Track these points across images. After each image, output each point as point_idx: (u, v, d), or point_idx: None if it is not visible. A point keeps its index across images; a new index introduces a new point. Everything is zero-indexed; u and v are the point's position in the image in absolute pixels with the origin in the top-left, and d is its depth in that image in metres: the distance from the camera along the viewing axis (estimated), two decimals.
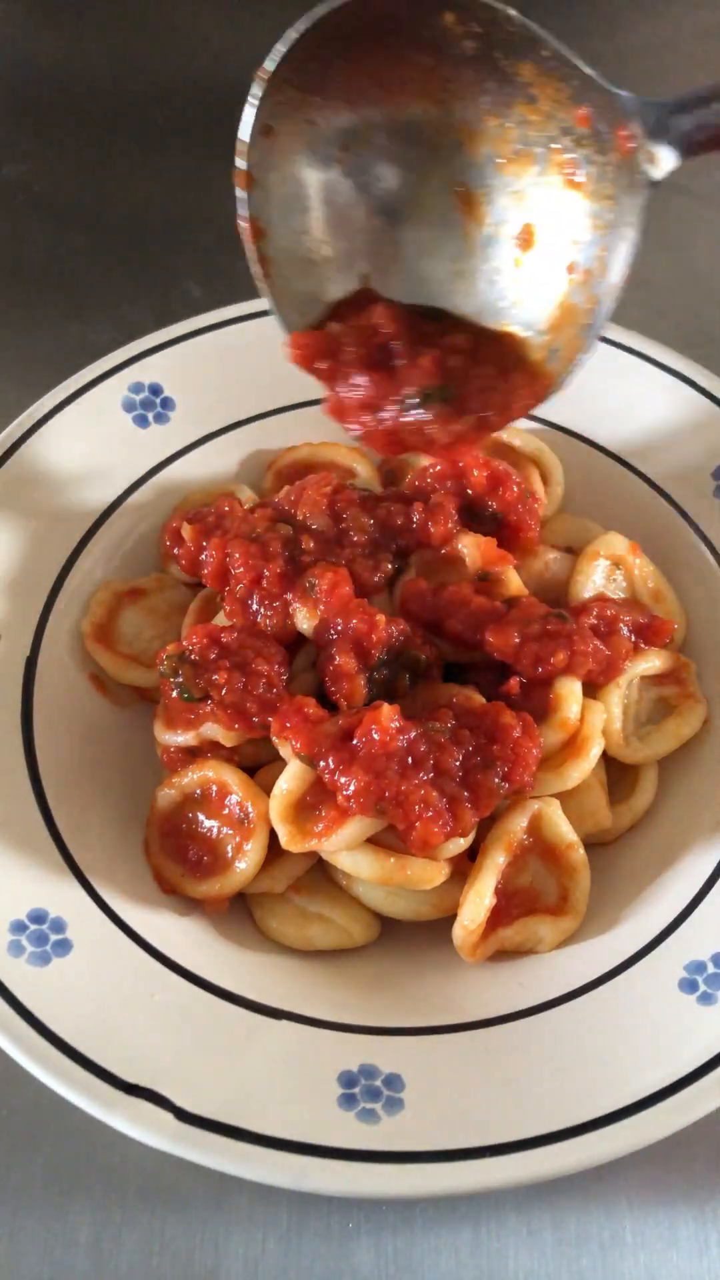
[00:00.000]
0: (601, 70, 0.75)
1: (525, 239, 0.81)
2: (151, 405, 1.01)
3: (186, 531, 0.92)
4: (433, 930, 0.82)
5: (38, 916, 0.76)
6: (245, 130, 0.79)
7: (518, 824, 0.80)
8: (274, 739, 0.81)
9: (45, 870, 0.79)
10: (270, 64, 0.75)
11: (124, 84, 1.53)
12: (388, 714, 0.77)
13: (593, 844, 0.85)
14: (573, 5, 1.61)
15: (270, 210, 0.82)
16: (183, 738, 0.84)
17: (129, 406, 1.00)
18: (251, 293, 1.05)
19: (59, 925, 0.76)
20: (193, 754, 0.86)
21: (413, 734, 0.77)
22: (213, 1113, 0.68)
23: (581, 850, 0.82)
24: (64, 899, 0.78)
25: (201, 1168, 0.67)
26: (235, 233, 0.83)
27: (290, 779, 0.79)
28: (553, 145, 0.78)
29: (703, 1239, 0.77)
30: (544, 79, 0.76)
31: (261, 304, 1.04)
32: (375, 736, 0.76)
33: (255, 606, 0.85)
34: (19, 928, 0.75)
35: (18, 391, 1.04)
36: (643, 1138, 0.68)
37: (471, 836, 0.79)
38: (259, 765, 0.85)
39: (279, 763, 0.82)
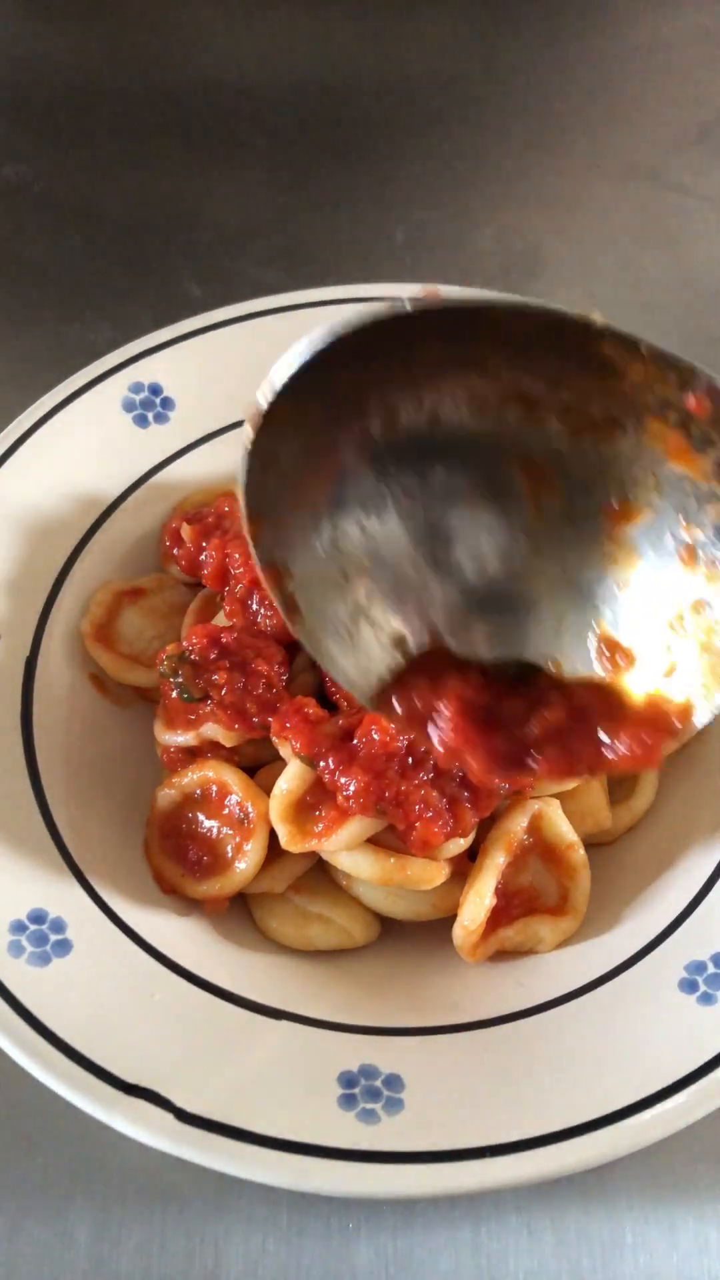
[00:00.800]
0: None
1: (623, 514, 0.68)
2: (151, 405, 1.01)
3: (186, 532, 0.92)
4: (433, 930, 0.82)
5: (38, 916, 0.76)
6: (241, 473, 0.67)
7: (518, 824, 0.80)
8: (274, 739, 0.81)
9: (45, 870, 0.79)
10: (264, 400, 0.64)
11: (124, 84, 1.52)
12: None
13: (593, 844, 0.85)
14: (573, 5, 1.61)
15: (291, 541, 0.71)
16: (183, 738, 0.84)
17: (129, 406, 1.00)
18: (251, 293, 1.06)
19: (59, 925, 0.76)
20: (193, 754, 0.85)
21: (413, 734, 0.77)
22: (213, 1113, 0.68)
23: (582, 850, 0.82)
24: (64, 899, 0.78)
25: (201, 1168, 0.67)
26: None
27: (290, 779, 0.79)
28: (649, 416, 0.66)
29: (703, 1239, 0.77)
30: (635, 361, 0.65)
31: (262, 303, 1.05)
32: (375, 737, 0.76)
33: (255, 607, 0.85)
34: (19, 928, 0.75)
35: (18, 391, 1.03)
36: (643, 1138, 0.68)
37: (471, 837, 0.79)
38: (259, 765, 0.85)
39: (279, 763, 0.82)
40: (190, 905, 0.82)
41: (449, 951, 0.80)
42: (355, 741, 0.77)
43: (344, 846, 0.78)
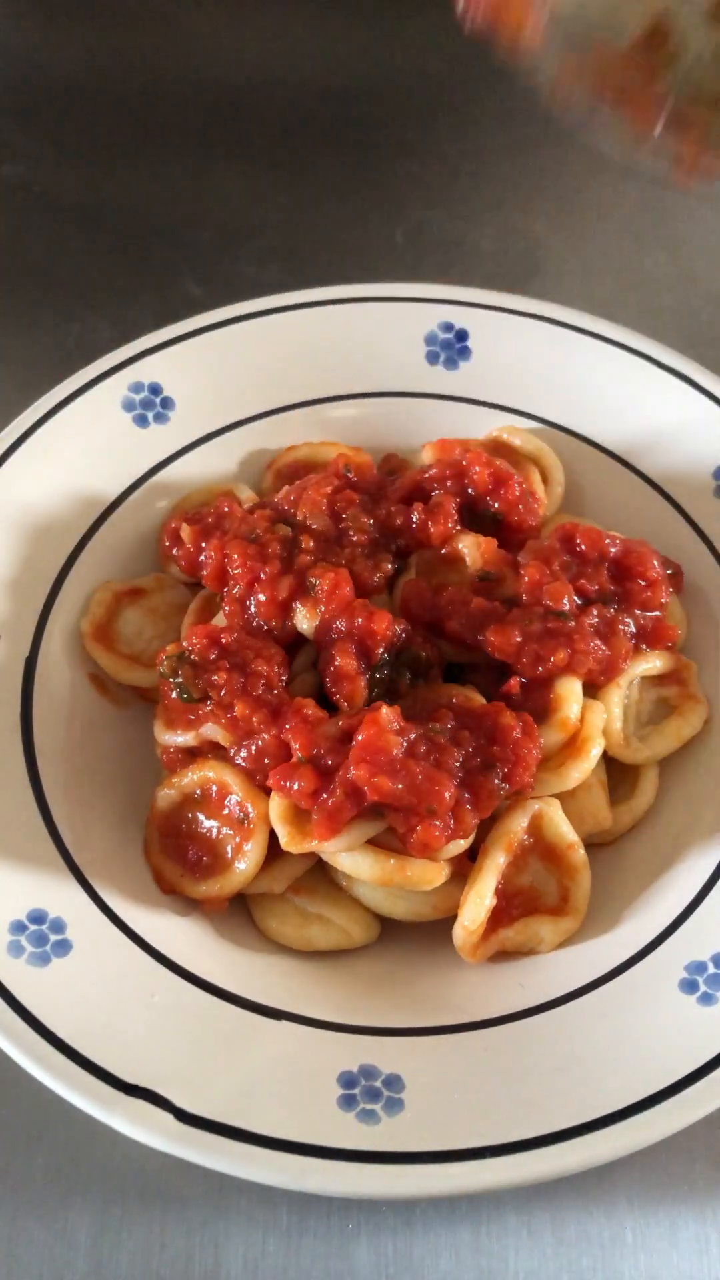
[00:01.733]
0: None
1: None
2: (151, 405, 1.01)
3: (185, 532, 0.92)
4: (433, 930, 0.81)
5: (37, 917, 0.76)
6: None
7: (518, 824, 0.80)
8: None
9: (45, 870, 0.79)
10: None
11: (124, 84, 1.52)
12: (387, 716, 0.77)
13: (593, 844, 0.85)
14: None
15: None
16: (183, 738, 0.84)
17: (129, 406, 1.00)
18: (251, 293, 1.06)
19: (59, 925, 0.76)
20: (192, 754, 0.85)
21: (413, 735, 0.77)
22: (213, 1113, 0.68)
23: (582, 850, 0.82)
24: (64, 899, 0.78)
25: (201, 1168, 0.67)
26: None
27: None
28: None
29: (703, 1239, 0.77)
30: None
31: (262, 303, 1.05)
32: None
33: (253, 608, 0.85)
34: (19, 928, 0.75)
35: (18, 391, 1.04)
36: (643, 1138, 0.68)
37: (472, 837, 0.79)
38: None
39: None
40: (190, 905, 0.82)
41: (449, 951, 0.80)
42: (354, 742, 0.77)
43: (344, 848, 0.78)
